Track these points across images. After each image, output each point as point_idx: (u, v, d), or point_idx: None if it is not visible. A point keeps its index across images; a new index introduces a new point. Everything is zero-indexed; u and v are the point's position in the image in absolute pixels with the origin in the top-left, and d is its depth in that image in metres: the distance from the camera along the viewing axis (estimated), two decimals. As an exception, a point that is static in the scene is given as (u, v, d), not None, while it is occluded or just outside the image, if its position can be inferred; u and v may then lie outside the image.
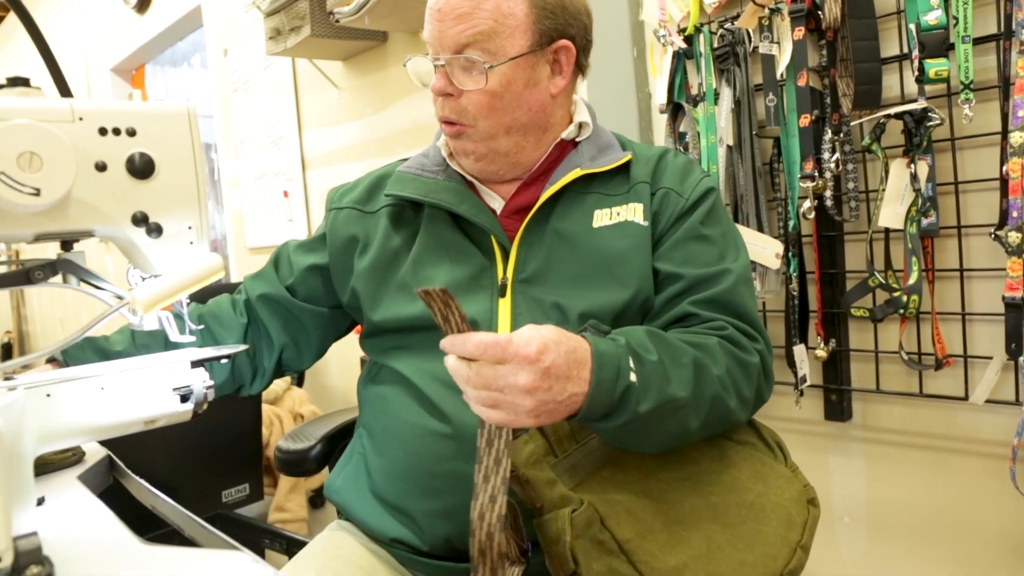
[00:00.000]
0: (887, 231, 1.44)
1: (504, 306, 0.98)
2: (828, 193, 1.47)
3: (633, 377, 0.80)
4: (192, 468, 2.25)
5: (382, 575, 1.02)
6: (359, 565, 1.02)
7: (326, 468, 1.26)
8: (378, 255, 1.06)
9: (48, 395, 0.81)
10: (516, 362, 0.73)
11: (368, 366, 1.12)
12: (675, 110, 1.69)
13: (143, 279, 0.92)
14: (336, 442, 1.24)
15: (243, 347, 0.95)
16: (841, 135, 1.46)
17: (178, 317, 0.92)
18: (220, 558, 0.68)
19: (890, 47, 1.41)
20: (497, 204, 1.06)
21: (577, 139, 1.07)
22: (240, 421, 2.40)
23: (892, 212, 1.39)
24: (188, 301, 0.90)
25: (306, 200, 3.27)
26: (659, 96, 1.75)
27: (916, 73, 1.31)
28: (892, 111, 1.36)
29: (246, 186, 3.66)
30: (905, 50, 1.39)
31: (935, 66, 1.29)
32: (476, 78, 0.97)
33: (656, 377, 0.82)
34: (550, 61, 1.02)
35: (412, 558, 1.01)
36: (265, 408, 2.58)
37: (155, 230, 0.87)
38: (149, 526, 0.90)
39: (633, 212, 1.01)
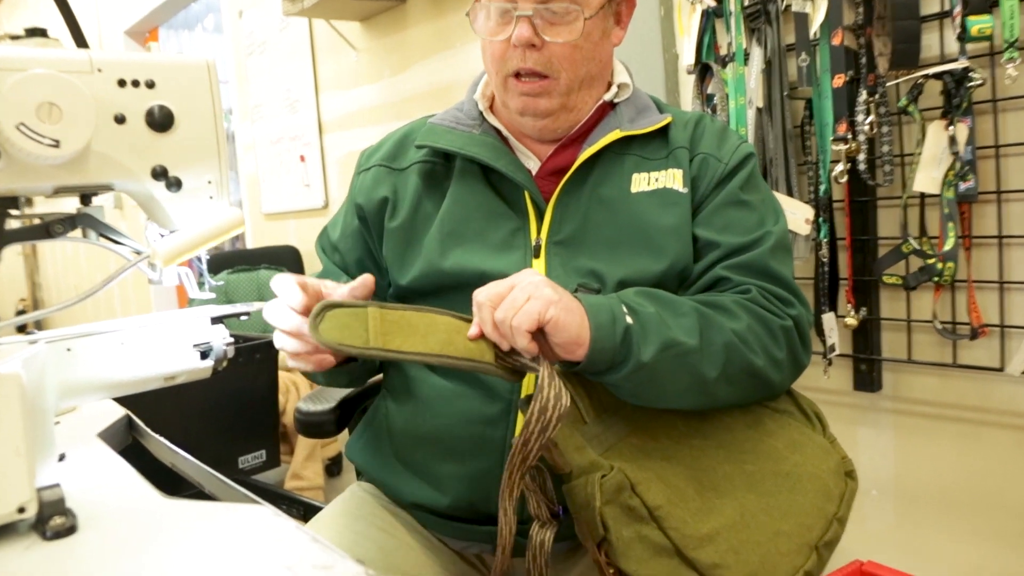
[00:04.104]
0: (922, 196, 1.41)
1: (538, 267, 0.96)
2: (861, 156, 1.44)
3: (630, 320, 0.81)
4: (208, 434, 2.27)
5: (402, 536, 1.02)
6: (379, 527, 1.02)
7: (346, 432, 1.26)
8: (408, 216, 1.03)
9: (68, 349, 0.81)
10: (519, 275, 0.80)
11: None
12: (703, 71, 1.66)
13: (161, 236, 0.91)
14: (357, 404, 1.24)
15: (264, 304, 0.94)
16: (876, 96, 1.43)
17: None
18: (242, 512, 0.68)
19: (930, 4, 1.37)
20: (533, 164, 1.04)
21: (615, 101, 1.06)
22: (257, 387, 2.41)
23: (928, 176, 1.37)
24: (207, 256, 0.89)
25: (323, 165, 3.26)
26: (687, 57, 1.71)
27: (957, 31, 1.27)
28: (931, 71, 1.32)
29: (262, 151, 3.66)
30: (946, 7, 1.35)
31: (978, 23, 1.25)
32: (568, 29, 0.95)
33: (654, 323, 0.82)
34: (615, 12, 1.02)
35: (434, 520, 1.01)
36: (282, 375, 2.59)
37: (175, 184, 0.86)
38: (168, 490, 0.90)
39: (673, 178, 1.00)
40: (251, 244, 3.91)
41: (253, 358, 2.36)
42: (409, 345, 0.80)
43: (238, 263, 3.29)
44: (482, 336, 0.80)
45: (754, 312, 0.91)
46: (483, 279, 0.94)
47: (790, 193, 1.55)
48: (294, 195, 3.47)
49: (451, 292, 0.98)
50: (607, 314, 0.80)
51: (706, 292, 0.96)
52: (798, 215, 1.52)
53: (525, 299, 0.77)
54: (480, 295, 0.79)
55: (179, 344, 0.87)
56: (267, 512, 0.67)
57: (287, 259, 3.36)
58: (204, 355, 0.89)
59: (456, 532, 1.01)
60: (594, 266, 0.96)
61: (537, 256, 0.97)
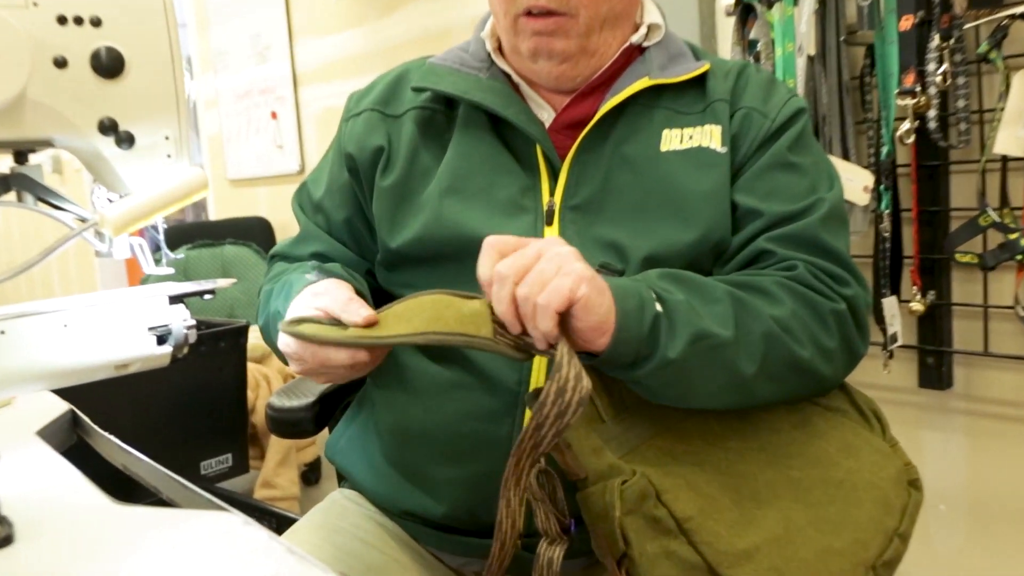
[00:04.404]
0: (1004, 160, 1.41)
1: (551, 236, 0.96)
2: (932, 113, 1.43)
3: (659, 307, 0.80)
4: (165, 434, 2.28)
5: (391, 551, 1.02)
6: (364, 539, 1.02)
7: (325, 433, 1.27)
8: (403, 171, 1.04)
9: (2, 332, 0.81)
10: (542, 242, 0.77)
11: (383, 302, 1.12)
12: (744, 12, 1.66)
13: (110, 202, 0.91)
14: (339, 398, 1.24)
15: (231, 280, 0.95)
16: (951, 41, 1.42)
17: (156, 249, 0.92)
18: (207, 520, 0.68)
19: (1017, -68, 1.37)
20: (546, 115, 1.04)
21: (644, 44, 1.05)
22: (221, 380, 2.42)
23: (1012, 136, 1.36)
24: (165, 224, 0.90)
25: (298, 123, 3.25)
26: (726, -5, 1.71)
27: (1049, -37, 1.27)
28: (1018, 10, 1.32)
29: (227, 107, 3.65)
30: (1036, -65, 1.34)
31: (1074, -46, 1.25)
32: None
33: (683, 312, 0.82)
34: None
35: (427, 532, 1.02)
36: (251, 367, 2.60)
37: (126, 140, 0.86)
38: (119, 496, 0.91)
39: (709, 136, 0.99)
40: (214, 215, 3.91)
41: (217, 346, 2.36)
42: (392, 331, 0.81)
43: (199, 237, 3.29)
44: (480, 309, 0.79)
45: (800, 294, 0.91)
46: None
47: (846, 156, 1.55)
48: (264, 158, 3.46)
49: (448, 261, 0.99)
50: (634, 299, 0.79)
51: (746, 269, 0.96)
52: (856, 182, 1.51)
53: (554, 272, 0.75)
54: (504, 267, 0.76)
55: (132, 327, 0.87)
56: (235, 520, 0.67)
57: (257, 233, 3.37)
58: (161, 340, 0.89)
59: (453, 546, 1.01)
60: (615, 236, 0.96)
61: (550, 223, 0.97)
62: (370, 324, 0.82)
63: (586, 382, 0.74)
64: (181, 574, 0.61)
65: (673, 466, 0.85)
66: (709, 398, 0.87)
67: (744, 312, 0.86)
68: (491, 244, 0.78)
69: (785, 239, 0.95)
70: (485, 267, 0.77)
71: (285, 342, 0.87)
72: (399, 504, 1.02)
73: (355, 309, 0.83)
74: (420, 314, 0.81)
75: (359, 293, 0.98)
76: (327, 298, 0.87)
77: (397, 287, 1.07)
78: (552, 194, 0.99)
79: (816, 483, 0.89)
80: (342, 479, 1.16)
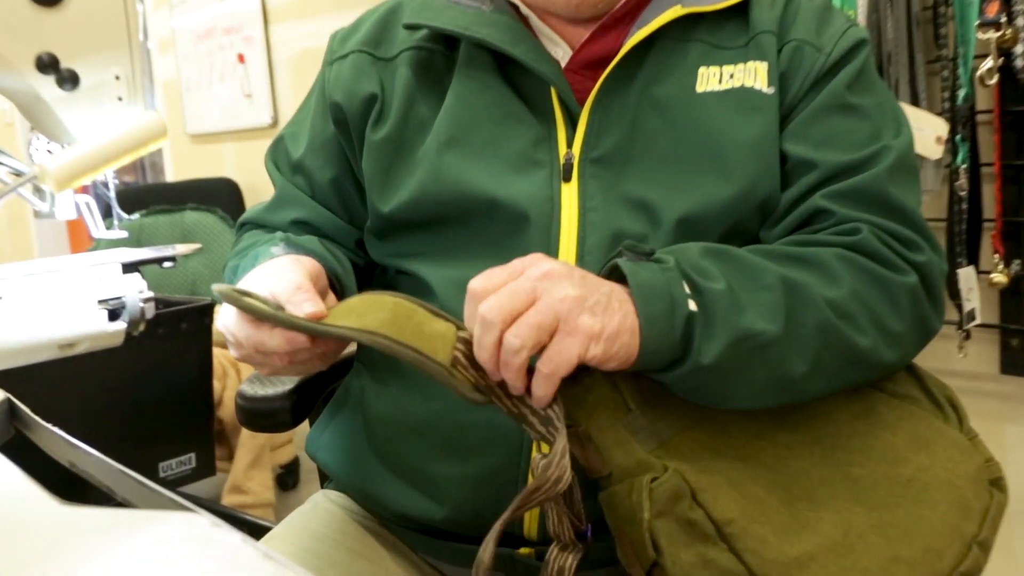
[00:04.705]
0: (1103, 104, 1.40)
1: (569, 194, 0.96)
2: (1020, 48, 1.42)
3: (692, 305, 0.80)
4: (118, 430, 2.28)
5: (383, 560, 1.03)
6: (351, 548, 1.03)
7: (305, 427, 1.27)
8: (397, 123, 1.03)
9: (-74, 305, 0.82)
10: (537, 267, 0.77)
11: (374, 275, 1.12)
12: (797, -69, 1.65)
13: (51, 154, 0.91)
14: (320, 385, 1.24)
15: (194, 246, 0.95)
16: (1043, -37, 1.41)
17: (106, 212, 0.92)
18: (169, 522, 0.68)
19: None
20: (562, 53, 1.04)
21: None
22: (183, 368, 2.42)
23: (1112, 76, 1.36)
24: (117, 180, 0.90)
25: (270, 67, 3.25)
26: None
27: None
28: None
29: (185, 49, 3.65)
30: None
31: None
32: None
33: (723, 306, 0.81)
34: None
35: (425, 538, 1.02)
36: (217, 352, 2.60)
37: (69, 80, 0.86)
38: (66, 496, 0.91)
39: (753, 74, 0.99)
40: (172, 176, 3.92)
41: (178, 328, 2.36)
42: (338, 321, 0.81)
43: (155, 202, 3.29)
44: (444, 332, 0.80)
45: (863, 268, 0.90)
46: (493, 207, 0.94)
47: (915, 102, 1.54)
48: (231, 110, 3.46)
49: (450, 225, 0.99)
50: (662, 302, 0.79)
51: (799, 232, 0.96)
52: (927, 132, 1.51)
53: (553, 322, 0.75)
54: (490, 311, 0.75)
55: (79, 299, 0.87)
56: (202, 522, 0.67)
57: (223, 196, 3.37)
58: (114, 315, 0.89)
59: (455, 555, 1.01)
60: (645, 194, 0.96)
61: (568, 179, 0.97)
62: (316, 320, 0.82)
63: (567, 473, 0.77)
64: (139, 584, 0.61)
65: (711, 461, 0.85)
66: (750, 399, 0.87)
67: (797, 300, 0.85)
68: (474, 293, 0.78)
69: (845, 195, 0.95)
70: (468, 316, 0.78)
71: (223, 322, 0.87)
72: (392, 507, 1.02)
73: (300, 300, 0.83)
74: (375, 313, 0.81)
75: (336, 276, 0.99)
76: (278, 279, 0.87)
77: (391, 258, 1.07)
78: (570, 145, 0.99)
79: (881, 481, 0.89)
80: (325, 479, 1.16)
